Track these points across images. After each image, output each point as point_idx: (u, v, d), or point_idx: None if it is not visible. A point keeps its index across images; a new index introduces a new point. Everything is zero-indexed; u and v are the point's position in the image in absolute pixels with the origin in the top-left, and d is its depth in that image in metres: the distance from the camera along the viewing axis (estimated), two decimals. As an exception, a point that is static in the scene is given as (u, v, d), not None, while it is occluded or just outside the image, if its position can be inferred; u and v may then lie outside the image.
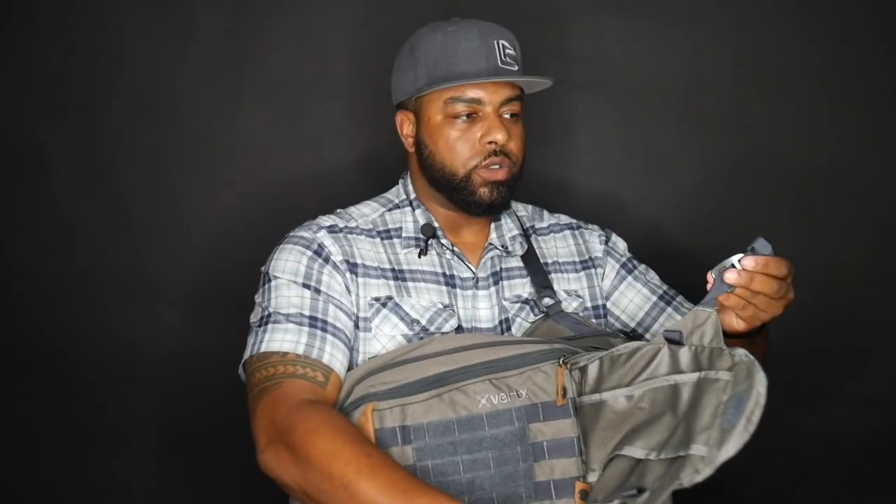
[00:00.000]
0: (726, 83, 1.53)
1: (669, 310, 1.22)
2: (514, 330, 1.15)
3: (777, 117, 1.53)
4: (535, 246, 1.24)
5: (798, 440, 1.56)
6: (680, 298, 1.23)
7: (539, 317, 1.16)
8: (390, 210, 1.22)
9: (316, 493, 0.91)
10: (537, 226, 1.28)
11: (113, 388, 1.63)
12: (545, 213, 1.31)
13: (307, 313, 1.08)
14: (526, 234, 1.25)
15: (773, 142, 1.54)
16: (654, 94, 1.55)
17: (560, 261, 1.23)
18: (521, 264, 1.20)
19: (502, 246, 1.21)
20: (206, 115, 1.59)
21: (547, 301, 1.17)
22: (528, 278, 1.19)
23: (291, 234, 1.16)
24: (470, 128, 1.13)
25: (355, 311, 1.11)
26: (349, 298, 1.11)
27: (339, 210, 1.23)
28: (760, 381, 0.81)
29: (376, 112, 1.47)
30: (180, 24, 1.58)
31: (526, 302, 1.17)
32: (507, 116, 1.14)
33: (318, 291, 1.10)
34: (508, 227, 1.24)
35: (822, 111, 1.53)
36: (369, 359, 1.09)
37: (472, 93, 1.12)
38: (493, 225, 1.23)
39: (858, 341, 1.54)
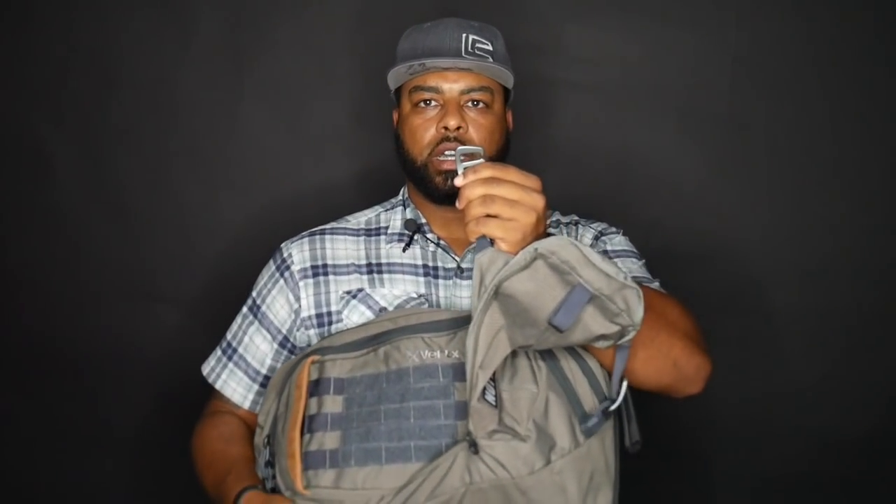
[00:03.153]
0: (726, 83, 1.53)
1: None
2: None
3: (777, 117, 1.53)
4: None
5: (798, 440, 1.56)
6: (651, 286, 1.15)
7: None
8: (387, 210, 1.27)
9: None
10: None
11: (112, 388, 1.63)
12: (556, 213, 1.30)
13: (228, 337, 1.25)
14: None
15: (773, 142, 1.54)
16: (654, 94, 1.55)
17: None
18: None
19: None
20: (206, 115, 1.59)
21: None
22: None
23: None
24: (431, 115, 1.16)
25: (296, 318, 1.19)
26: (290, 309, 1.19)
27: (347, 216, 1.28)
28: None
29: (377, 112, 1.47)
30: (180, 24, 1.58)
31: None
32: (470, 105, 1.15)
33: (254, 310, 1.21)
34: None
35: (822, 111, 1.52)
36: None
37: (433, 81, 1.15)
38: None
39: (858, 341, 1.54)
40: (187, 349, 1.59)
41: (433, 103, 1.16)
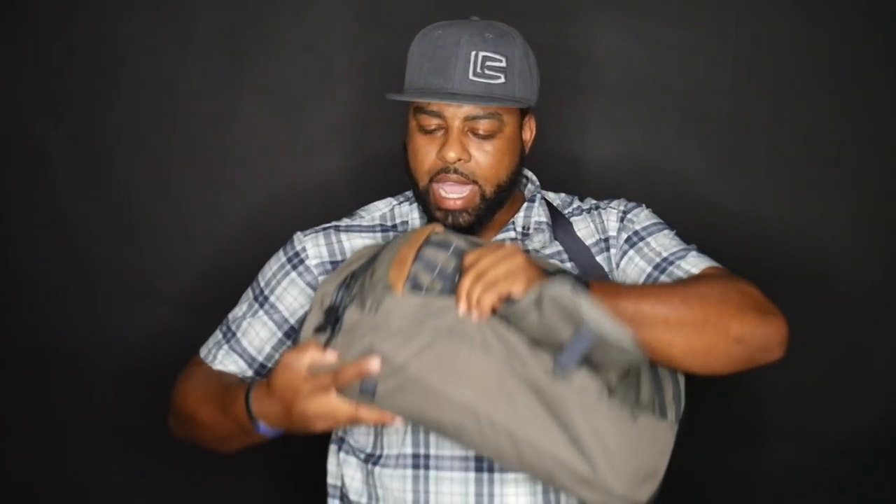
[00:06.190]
0: (726, 83, 1.53)
1: (663, 279, 1.09)
2: None
3: (777, 117, 1.53)
4: (575, 230, 1.19)
5: (798, 440, 1.56)
6: (681, 261, 1.11)
7: None
8: (401, 203, 1.22)
9: (190, 435, 1.14)
10: (565, 210, 1.22)
11: (112, 388, 1.64)
12: (575, 199, 1.25)
13: (230, 321, 1.19)
14: (563, 218, 1.20)
15: (773, 141, 1.54)
16: (654, 94, 1.55)
17: (585, 243, 1.18)
18: (542, 249, 1.16)
19: (523, 227, 1.17)
20: (206, 115, 1.59)
21: None
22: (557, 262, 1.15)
23: None
24: (433, 140, 1.10)
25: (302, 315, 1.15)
26: (306, 301, 1.15)
27: (359, 210, 1.23)
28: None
29: (377, 112, 1.47)
30: (180, 24, 1.58)
31: None
32: (476, 133, 1.09)
33: (259, 299, 1.17)
34: (538, 212, 1.19)
35: (822, 111, 1.53)
36: None
37: (436, 105, 1.08)
38: (525, 204, 1.19)
39: (858, 341, 1.54)
40: (188, 348, 1.59)
41: (436, 126, 1.10)
